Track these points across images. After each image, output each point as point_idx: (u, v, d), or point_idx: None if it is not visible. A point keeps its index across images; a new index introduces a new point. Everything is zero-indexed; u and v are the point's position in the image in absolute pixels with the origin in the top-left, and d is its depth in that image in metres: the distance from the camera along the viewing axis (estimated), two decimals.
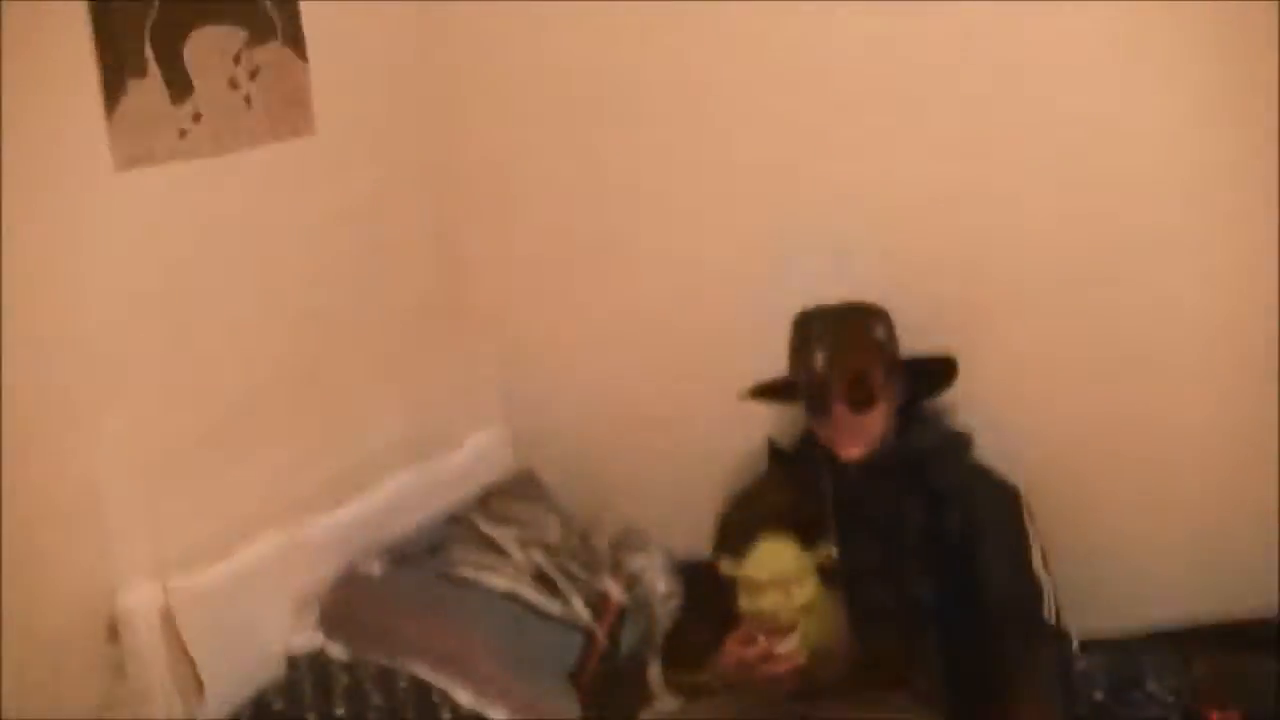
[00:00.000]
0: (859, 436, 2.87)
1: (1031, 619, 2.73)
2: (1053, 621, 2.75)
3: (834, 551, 2.68)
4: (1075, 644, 2.76)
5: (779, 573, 2.63)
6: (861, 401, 2.85)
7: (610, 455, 3.50)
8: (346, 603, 2.86)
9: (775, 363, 2.99)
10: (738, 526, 2.89)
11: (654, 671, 3.06)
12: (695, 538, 3.10)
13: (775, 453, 3.07)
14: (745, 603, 2.66)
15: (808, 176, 3.17)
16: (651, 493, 3.46)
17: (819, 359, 2.87)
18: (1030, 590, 2.76)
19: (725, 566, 2.74)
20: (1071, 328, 3.06)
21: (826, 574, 2.67)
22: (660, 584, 3.29)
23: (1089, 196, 2.98)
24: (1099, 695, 2.59)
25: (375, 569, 2.91)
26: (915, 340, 2.99)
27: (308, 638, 2.80)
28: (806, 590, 2.64)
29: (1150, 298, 2.98)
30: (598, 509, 3.48)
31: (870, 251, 3.07)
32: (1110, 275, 2.99)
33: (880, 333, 2.93)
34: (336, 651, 2.77)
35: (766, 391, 3.03)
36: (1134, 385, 3.03)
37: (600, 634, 3.01)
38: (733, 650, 2.67)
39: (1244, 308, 2.91)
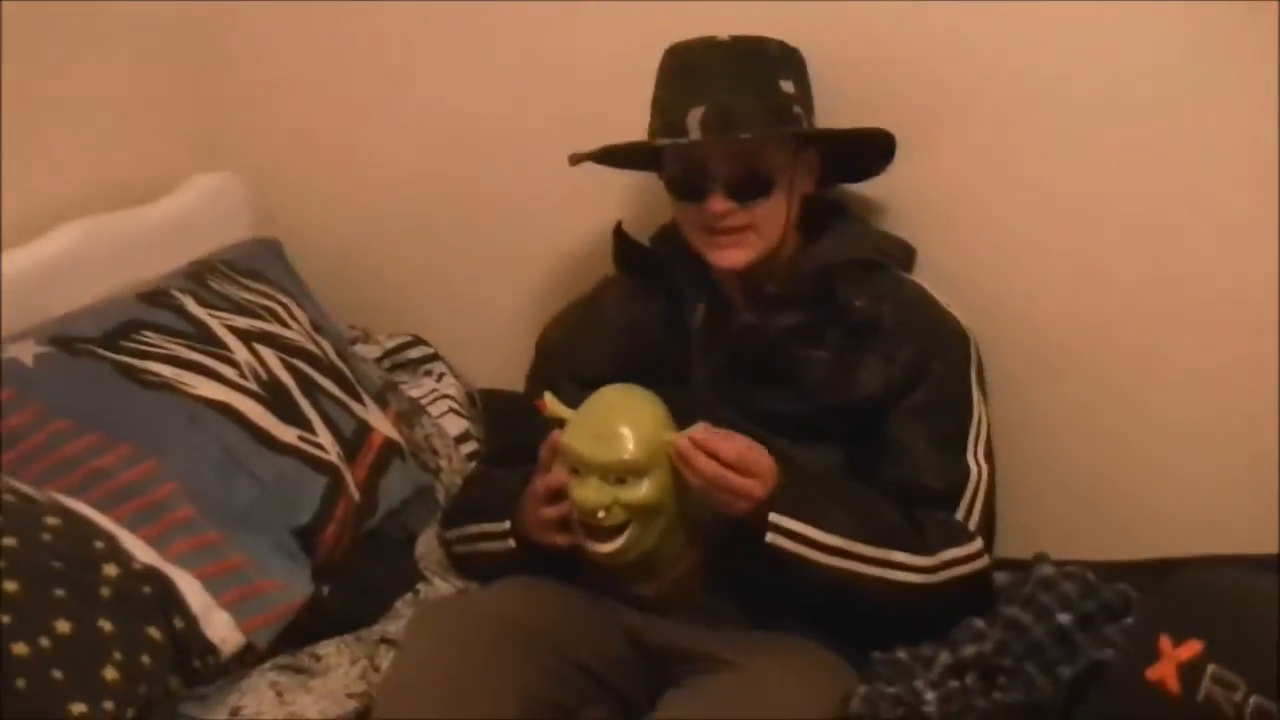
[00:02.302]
0: (742, 240, 2.07)
1: (944, 516, 2.02)
2: (970, 525, 2.03)
3: (701, 431, 1.92)
4: (986, 557, 2.03)
5: (613, 452, 1.92)
6: (751, 190, 2.04)
7: (390, 237, 2.73)
8: None
9: (630, 122, 2.14)
10: (564, 356, 2.24)
11: (426, 540, 2.28)
12: (504, 365, 2.52)
13: (625, 249, 2.24)
14: (564, 477, 1.99)
15: None
16: (446, 296, 2.73)
17: (692, 118, 2.03)
18: (953, 479, 2.03)
19: (552, 404, 2.00)
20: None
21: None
22: (451, 423, 2.51)
23: None
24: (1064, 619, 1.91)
25: (26, 356, 2.05)
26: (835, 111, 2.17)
27: None
28: (649, 486, 1.93)
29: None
30: (370, 309, 2.71)
31: None
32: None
33: (788, 85, 2.08)
34: None
35: (612, 157, 2.20)
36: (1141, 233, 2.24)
37: (352, 480, 2.17)
38: (531, 501, 2.05)
39: None
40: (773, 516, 1.88)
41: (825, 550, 1.89)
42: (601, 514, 1.91)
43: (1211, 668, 1.56)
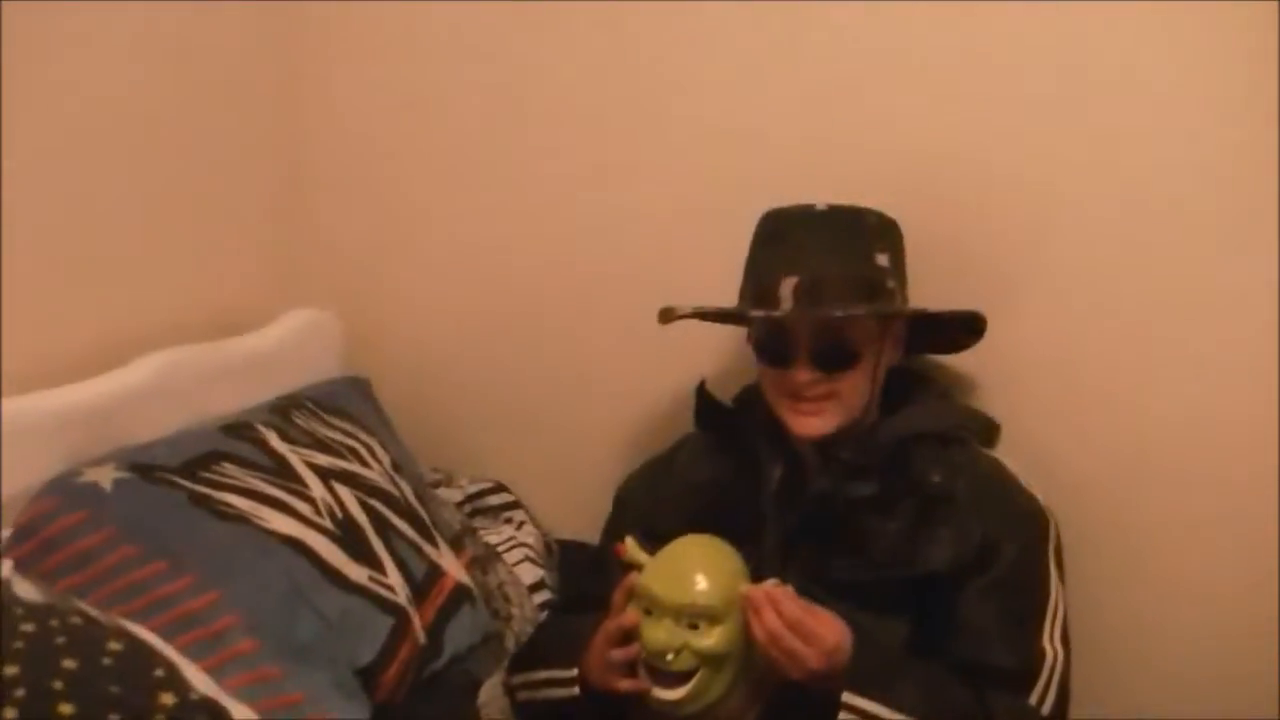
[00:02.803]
0: (824, 409, 2.06)
1: (1015, 701, 1.97)
2: (1044, 709, 1.97)
3: (779, 586, 1.92)
4: None
5: (688, 594, 1.92)
6: (837, 361, 2.04)
7: (479, 383, 2.73)
8: (54, 519, 1.99)
9: (722, 278, 2.15)
10: (640, 510, 2.22)
11: (490, 688, 2.23)
12: (583, 516, 2.44)
13: (706, 407, 2.23)
14: (636, 616, 1.97)
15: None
16: (531, 445, 2.71)
17: (785, 287, 2.02)
18: (1027, 662, 1.97)
19: (631, 548, 2.00)
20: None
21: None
22: (526, 571, 2.49)
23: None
24: None
25: (106, 480, 2.03)
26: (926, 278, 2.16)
27: None
28: (721, 632, 1.92)
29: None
30: (455, 453, 2.71)
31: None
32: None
33: (883, 258, 2.07)
34: (26, 588, 1.95)
35: (702, 316, 2.19)
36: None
37: (419, 622, 2.14)
38: (600, 644, 2.01)
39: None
40: (846, 696, 1.85)
41: None
42: (671, 656, 1.90)
43: None
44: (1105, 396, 2.24)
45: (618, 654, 1.97)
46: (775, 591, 1.87)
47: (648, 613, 1.93)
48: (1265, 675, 2.17)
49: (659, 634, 1.90)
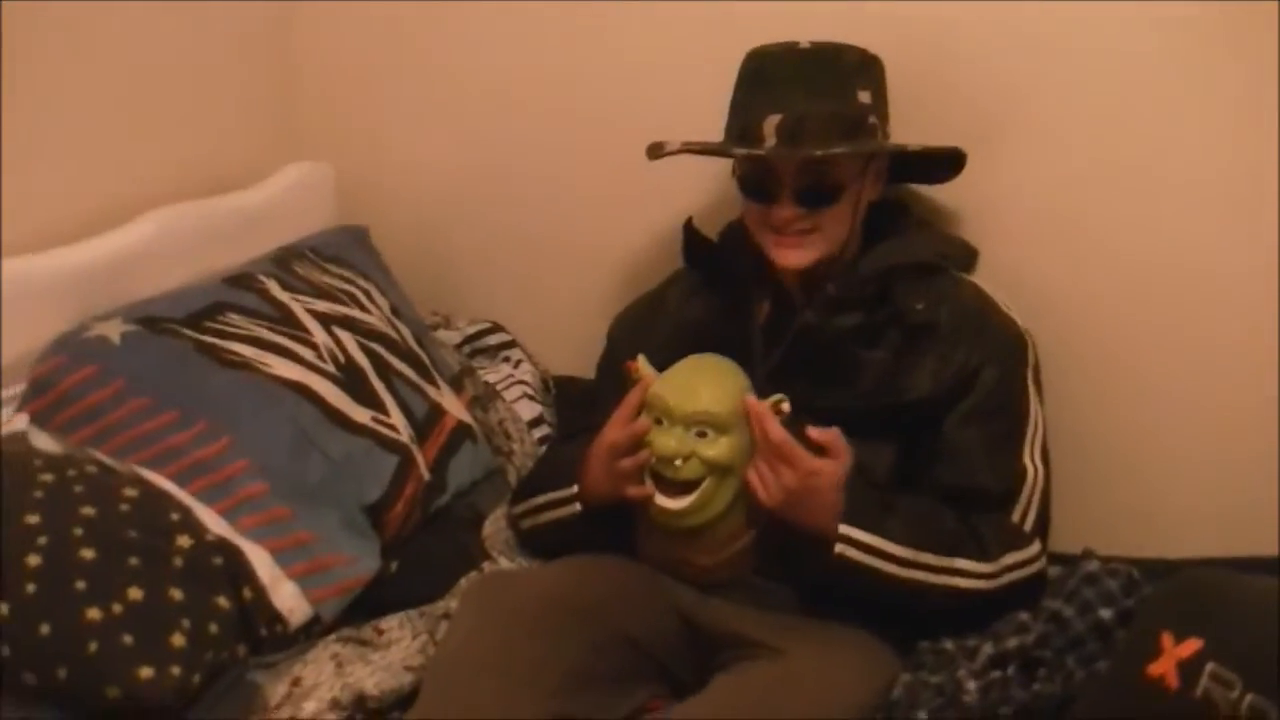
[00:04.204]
0: (806, 242, 2.08)
1: (1000, 519, 2.02)
2: (1027, 527, 2.03)
3: (785, 403, 1.94)
4: (1044, 559, 2.03)
5: (698, 402, 1.96)
6: (819, 197, 2.06)
7: (472, 228, 2.77)
8: (65, 374, 2.06)
9: (709, 116, 2.16)
10: (631, 347, 2.16)
11: (494, 520, 2.29)
12: (578, 353, 2.47)
13: (694, 243, 2.26)
14: (647, 424, 2.00)
15: None
16: (525, 286, 2.75)
17: (768, 125, 2.04)
18: (1009, 481, 2.03)
19: (643, 364, 2.05)
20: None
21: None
22: (525, 407, 2.54)
23: None
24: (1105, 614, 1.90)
25: (113, 333, 2.09)
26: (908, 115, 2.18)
27: (7, 416, 2.05)
28: (727, 442, 1.96)
29: None
30: (452, 296, 2.74)
31: None
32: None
33: (865, 95, 2.08)
34: (43, 441, 2.03)
35: (688, 151, 2.21)
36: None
37: (422, 460, 2.21)
38: (605, 456, 2.03)
39: None
40: (843, 528, 1.89)
41: (894, 561, 1.90)
42: (679, 463, 1.94)
43: (1210, 665, 1.54)
44: (1083, 223, 2.27)
45: (627, 462, 2.00)
46: (783, 401, 1.92)
47: (659, 422, 1.97)
48: (1264, 506, 2.19)
49: (669, 441, 1.94)
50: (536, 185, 2.66)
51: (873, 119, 2.08)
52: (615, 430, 2.02)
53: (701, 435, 1.94)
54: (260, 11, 2.68)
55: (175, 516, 1.93)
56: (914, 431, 2.06)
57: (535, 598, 1.96)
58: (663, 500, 1.97)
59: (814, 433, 1.91)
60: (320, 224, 2.57)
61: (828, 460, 1.91)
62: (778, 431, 1.90)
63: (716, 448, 1.94)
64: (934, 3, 2.25)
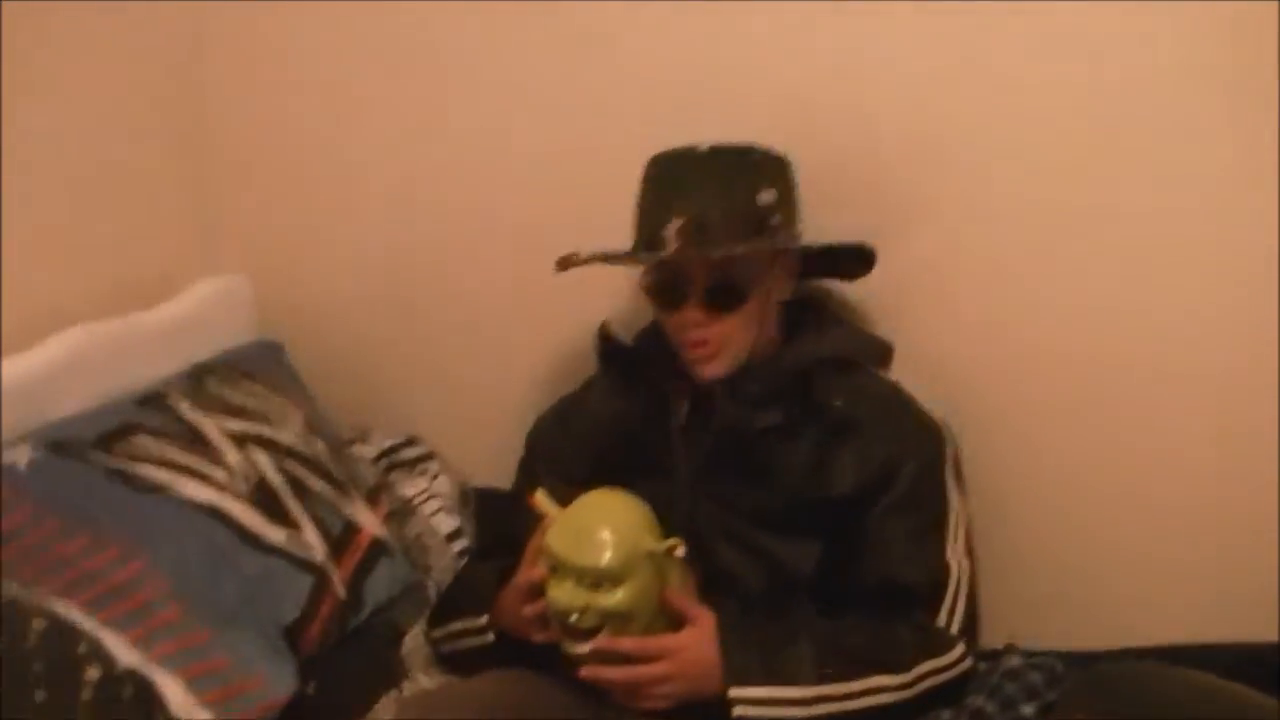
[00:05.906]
0: (718, 352, 2.09)
1: (922, 620, 2.03)
2: (954, 627, 2.03)
3: (680, 548, 1.91)
4: (967, 662, 2.03)
5: (589, 556, 1.90)
6: (725, 301, 2.07)
7: (389, 337, 2.73)
8: None
9: (620, 221, 2.17)
10: (550, 451, 2.26)
11: (413, 637, 2.28)
12: (498, 462, 2.43)
13: (609, 349, 2.27)
14: (543, 573, 1.97)
15: None
16: (443, 395, 2.72)
17: (670, 229, 2.05)
18: (933, 577, 2.03)
19: (542, 501, 1.99)
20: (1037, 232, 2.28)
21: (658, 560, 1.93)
22: (443, 521, 2.49)
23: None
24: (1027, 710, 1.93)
25: (20, 459, 2.04)
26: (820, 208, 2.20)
27: None
28: (624, 592, 1.90)
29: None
30: (370, 408, 2.71)
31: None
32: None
33: (768, 195, 2.09)
34: None
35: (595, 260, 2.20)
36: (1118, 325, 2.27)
37: (337, 578, 2.17)
38: (512, 596, 2.05)
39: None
40: (732, 691, 1.88)
41: (798, 704, 1.90)
42: (574, 617, 1.89)
43: None
44: (1001, 312, 2.30)
45: (528, 610, 1.99)
46: (604, 644, 1.90)
47: (553, 570, 1.92)
48: (1195, 594, 2.23)
49: (562, 594, 1.90)
50: (452, 298, 2.65)
51: (776, 218, 2.08)
52: (523, 573, 2.02)
53: (597, 586, 1.89)
54: (173, 123, 2.66)
55: (83, 648, 1.88)
56: (838, 527, 2.05)
57: (468, 712, 1.94)
58: (567, 645, 1.94)
59: (670, 597, 1.92)
60: (237, 337, 2.53)
61: (685, 631, 1.92)
62: (624, 643, 1.90)
63: (613, 599, 1.89)
64: (847, 93, 2.29)
